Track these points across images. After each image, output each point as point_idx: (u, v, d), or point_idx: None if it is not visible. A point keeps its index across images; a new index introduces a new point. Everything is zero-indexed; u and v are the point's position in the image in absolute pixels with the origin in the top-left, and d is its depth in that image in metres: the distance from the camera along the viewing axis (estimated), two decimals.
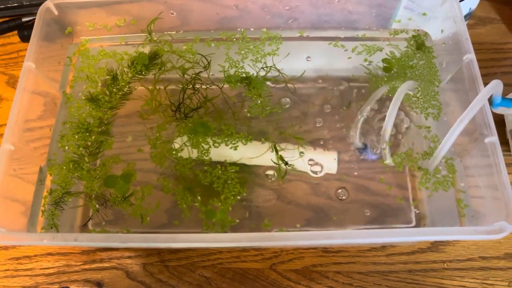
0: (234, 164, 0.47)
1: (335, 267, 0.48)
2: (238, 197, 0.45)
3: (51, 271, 0.49)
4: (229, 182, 0.46)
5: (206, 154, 0.47)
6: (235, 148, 0.47)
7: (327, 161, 0.48)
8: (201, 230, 0.44)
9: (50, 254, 0.50)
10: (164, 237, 0.37)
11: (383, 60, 0.52)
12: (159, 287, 0.47)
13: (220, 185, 0.46)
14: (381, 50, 0.53)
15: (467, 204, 0.43)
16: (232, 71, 0.52)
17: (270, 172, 0.48)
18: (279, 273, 0.48)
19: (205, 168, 0.47)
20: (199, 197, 0.45)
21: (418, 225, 0.45)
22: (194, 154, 0.48)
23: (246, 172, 0.47)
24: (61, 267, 0.49)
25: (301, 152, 0.48)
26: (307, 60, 0.54)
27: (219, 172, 0.46)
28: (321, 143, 0.49)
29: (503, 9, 0.62)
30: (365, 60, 0.53)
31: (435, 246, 0.48)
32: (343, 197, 0.47)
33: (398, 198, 0.46)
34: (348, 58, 0.53)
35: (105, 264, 0.49)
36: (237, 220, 0.45)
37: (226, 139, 0.48)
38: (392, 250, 0.48)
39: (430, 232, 0.37)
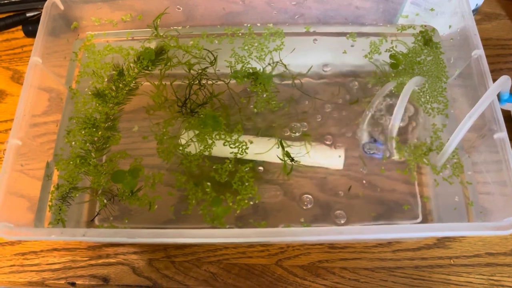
0: (244, 160, 0.47)
1: (341, 263, 0.48)
2: (251, 203, 0.45)
3: (57, 266, 0.49)
4: (246, 184, 0.46)
5: (209, 150, 0.47)
6: (239, 154, 0.47)
7: (333, 157, 0.48)
8: (204, 223, 0.44)
9: (56, 249, 0.49)
10: (171, 233, 0.37)
11: (391, 56, 0.52)
12: (165, 283, 0.47)
13: (239, 185, 0.46)
14: (388, 46, 0.53)
15: (475, 199, 0.43)
16: (238, 67, 0.52)
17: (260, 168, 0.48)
18: (285, 269, 0.48)
19: (214, 166, 0.47)
20: (209, 183, 0.46)
21: (425, 221, 0.45)
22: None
23: (252, 170, 0.47)
24: (67, 263, 0.49)
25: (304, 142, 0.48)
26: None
27: (229, 166, 0.46)
28: (328, 139, 0.49)
29: (509, 4, 0.62)
30: (366, 55, 0.53)
31: (442, 242, 0.48)
32: (349, 193, 0.47)
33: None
34: (356, 53, 0.53)
35: (111, 260, 0.49)
36: (227, 226, 0.45)
37: (229, 139, 0.48)
38: (398, 246, 0.48)
39: (439, 228, 0.37)
